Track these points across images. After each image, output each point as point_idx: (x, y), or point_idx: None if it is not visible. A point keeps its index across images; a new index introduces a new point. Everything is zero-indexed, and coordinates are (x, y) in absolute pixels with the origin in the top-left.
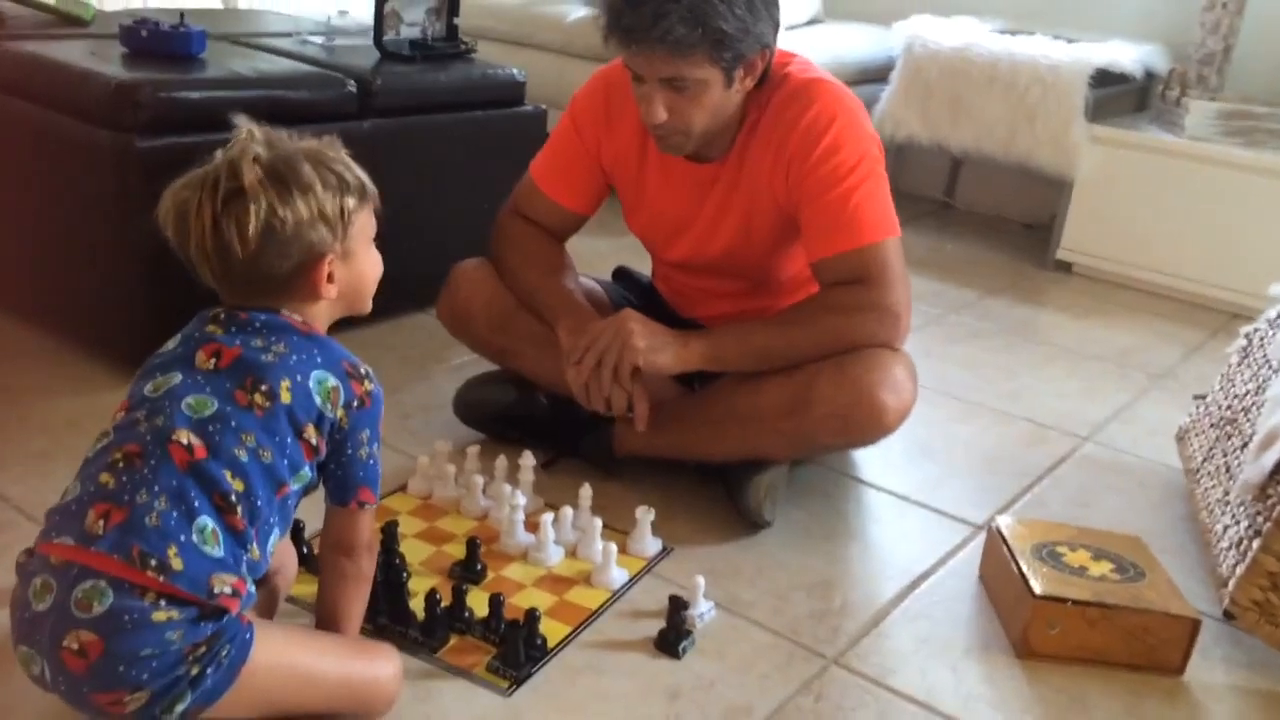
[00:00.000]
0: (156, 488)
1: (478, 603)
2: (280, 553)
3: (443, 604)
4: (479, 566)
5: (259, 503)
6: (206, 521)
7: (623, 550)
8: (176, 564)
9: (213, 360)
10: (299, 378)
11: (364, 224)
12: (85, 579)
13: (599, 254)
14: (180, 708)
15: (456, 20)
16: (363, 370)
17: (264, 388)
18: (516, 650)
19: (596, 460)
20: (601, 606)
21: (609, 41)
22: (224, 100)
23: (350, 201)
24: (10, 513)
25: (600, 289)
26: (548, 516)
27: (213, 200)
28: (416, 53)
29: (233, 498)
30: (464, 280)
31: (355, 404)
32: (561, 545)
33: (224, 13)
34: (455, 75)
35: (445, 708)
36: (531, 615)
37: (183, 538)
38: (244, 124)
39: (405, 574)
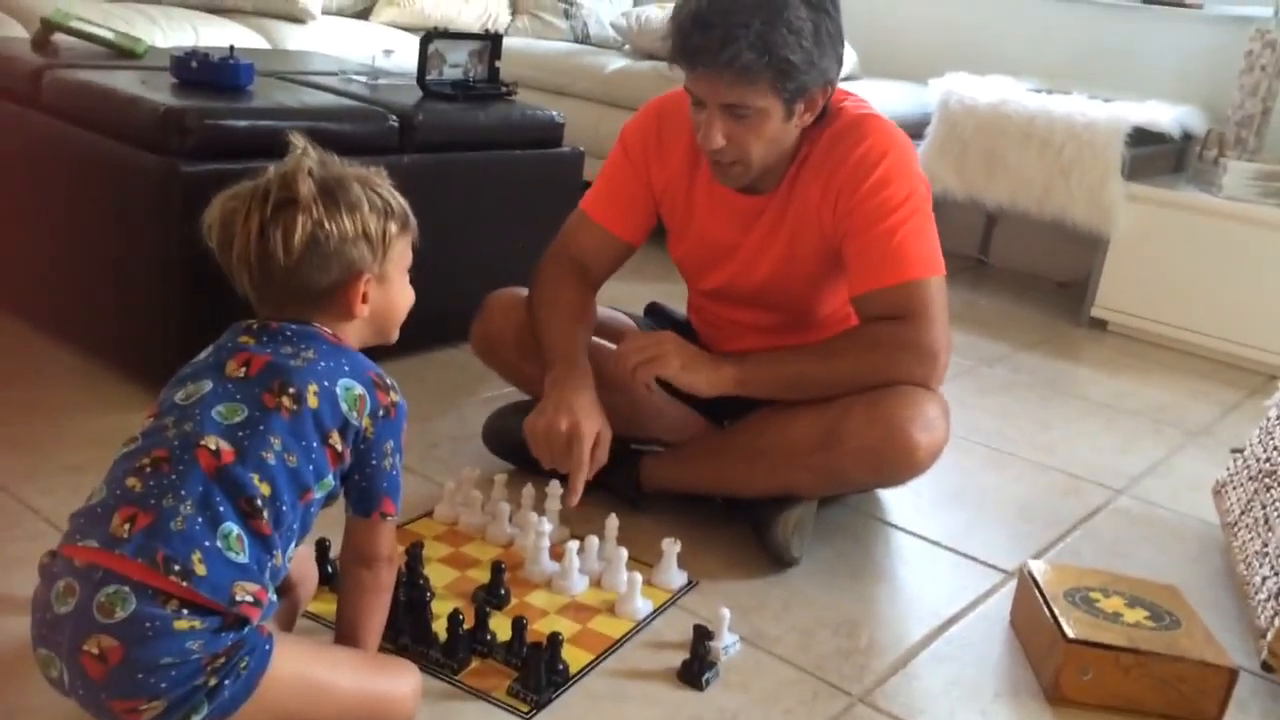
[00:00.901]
0: (183, 492)
1: (500, 627)
2: (300, 565)
3: (465, 626)
4: (503, 591)
5: (284, 507)
6: (232, 527)
7: (648, 582)
8: (200, 570)
9: (243, 369)
10: (326, 383)
11: (402, 252)
12: (109, 583)
13: (632, 296)
14: (196, 718)
15: (498, 63)
16: (388, 381)
17: (291, 390)
18: (538, 674)
19: (623, 494)
20: (625, 636)
21: (674, 63)
22: (268, 129)
23: (393, 227)
24: (40, 524)
25: (633, 324)
26: (573, 545)
27: (262, 209)
28: (458, 92)
29: (258, 502)
30: (496, 307)
31: (381, 413)
32: (586, 574)
33: (272, 52)
34: (495, 115)
35: None
36: (554, 640)
37: (207, 543)
38: (299, 141)
39: (429, 595)
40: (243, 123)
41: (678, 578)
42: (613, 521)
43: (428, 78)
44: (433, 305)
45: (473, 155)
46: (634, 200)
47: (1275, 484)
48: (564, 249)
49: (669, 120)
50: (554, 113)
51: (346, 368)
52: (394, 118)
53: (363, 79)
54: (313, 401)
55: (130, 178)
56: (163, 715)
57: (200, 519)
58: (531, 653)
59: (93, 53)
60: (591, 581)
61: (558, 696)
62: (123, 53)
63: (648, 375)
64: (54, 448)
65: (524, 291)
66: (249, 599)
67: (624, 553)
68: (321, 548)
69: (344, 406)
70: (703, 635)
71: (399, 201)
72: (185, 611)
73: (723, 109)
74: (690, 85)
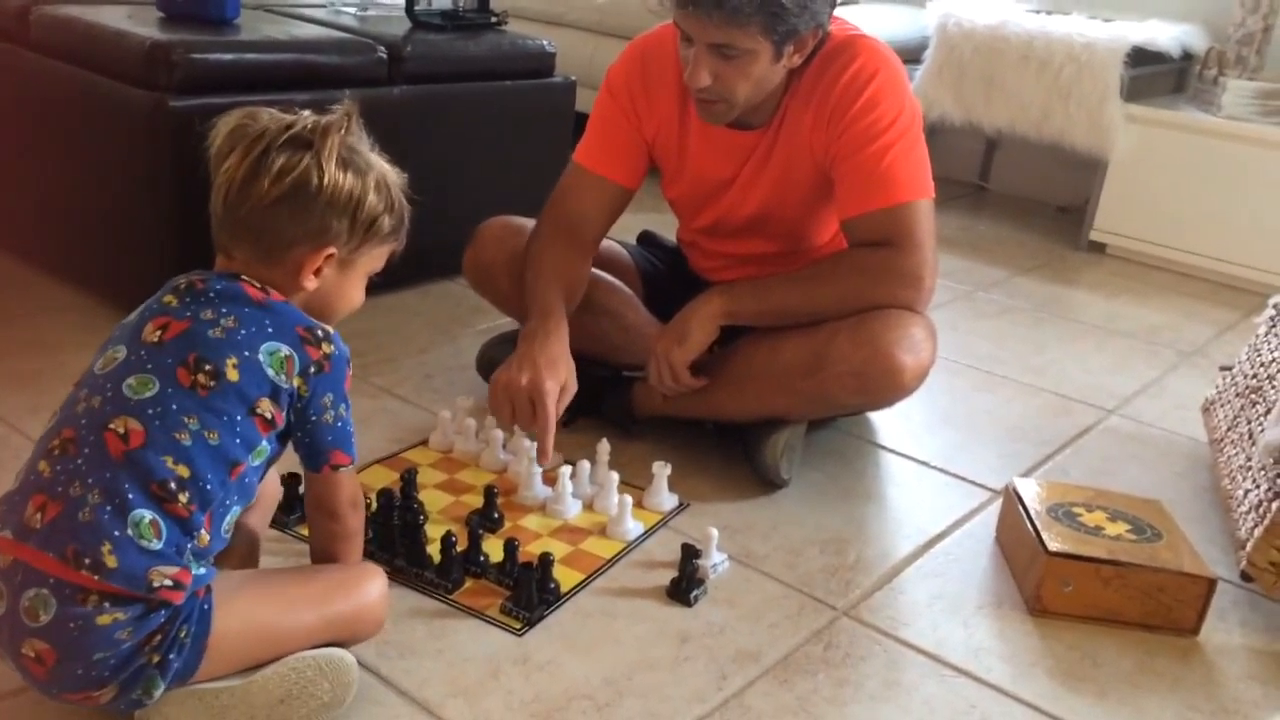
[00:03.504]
0: (90, 480)
1: (493, 548)
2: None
3: (458, 548)
4: (496, 515)
5: (209, 486)
6: (143, 514)
7: (639, 504)
8: (110, 561)
9: (158, 333)
10: (247, 353)
11: (375, 256)
12: (29, 586)
13: (623, 225)
14: (158, 691)
15: None
16: (319, 332)
17: (208, 367)
18: (530, 593)
19: (617, 421)
20: (616, 556)
21: None
22: (256, 63)
23: (385, 222)
24: None
25: (625, 253)
26: (566, 470)
27: (276, 135)
28: (448, 22)
29: (172, 485)
30: (489, 236)
31: (313, 370)
32: (579, 498)
33: None
34: (485, 45)
35: (459, 645)
36: (545, 559)
37: (116, 533)
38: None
39: (422, 518)
40: (230, 56)
41: (668, 500)
42: (604, 446)
43: (416, 8)
44: (425, 238)
45: (463, 86)
46: (627, 144)
47: (1260, 399)
48: (559, 207)
49: (654, 62)
50: (545, 42)
51: (270, 329)
52: (383, 49)
53: (350, 10)
54: (232, 375)
55: (119, 113)
56: (119, 696)
57: (108, 508)
58: (523, 572)
59: None
60: (584, 505)
61: (549, 614)
62: None
63: (684, 380)
64: (54, 382)
65: (517, 220)
66: (168, 583)
67: (615, 476)
68: (291, 483)
69: (270, 372)
70: (691, 553)
71: (403, 214)
72: (106, 605)
73: (710, 48)
74: (679, 21)
